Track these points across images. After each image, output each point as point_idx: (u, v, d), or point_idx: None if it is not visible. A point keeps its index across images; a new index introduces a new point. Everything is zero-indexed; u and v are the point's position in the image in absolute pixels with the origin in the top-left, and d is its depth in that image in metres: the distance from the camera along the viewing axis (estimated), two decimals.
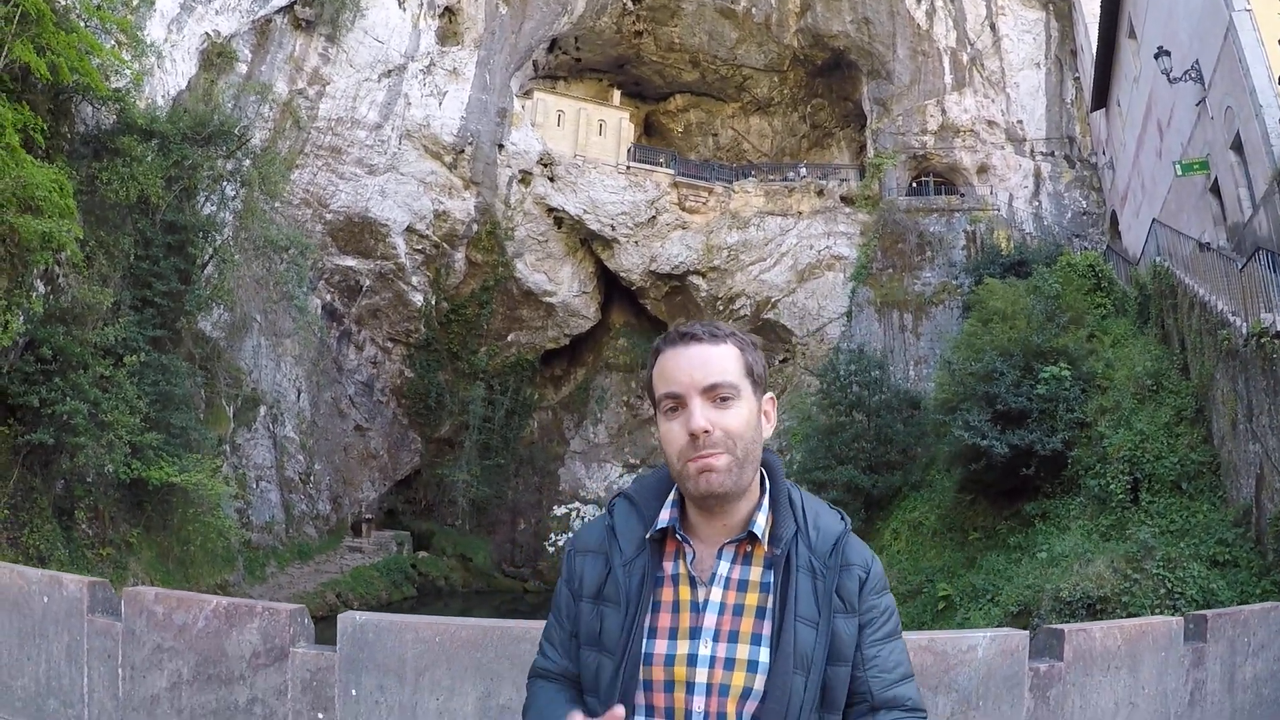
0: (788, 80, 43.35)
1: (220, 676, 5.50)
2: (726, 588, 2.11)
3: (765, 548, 2.13)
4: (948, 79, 39.23)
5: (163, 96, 24.40)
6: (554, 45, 40.73)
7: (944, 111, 39.07)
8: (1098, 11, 30.10)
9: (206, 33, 26.44)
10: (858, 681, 2.11)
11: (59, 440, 16.57)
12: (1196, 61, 20.22)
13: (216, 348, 25.71)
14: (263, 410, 29.53)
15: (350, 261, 34.34)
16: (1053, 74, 39.50)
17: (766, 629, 2.06)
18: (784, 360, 38.94)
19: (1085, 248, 31.99)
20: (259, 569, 26.09)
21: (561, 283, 39.64)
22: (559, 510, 40.32)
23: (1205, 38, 19.72)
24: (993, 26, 39.57)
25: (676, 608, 2.12)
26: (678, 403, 2.10)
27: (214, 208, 23.19)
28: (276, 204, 26.50)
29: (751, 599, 2.10)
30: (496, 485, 38.41)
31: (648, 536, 2.18)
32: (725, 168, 42.33)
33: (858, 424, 26.32)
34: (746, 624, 2.07)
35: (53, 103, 18.76)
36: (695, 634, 2.07)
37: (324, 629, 5.85)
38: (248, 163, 23.51)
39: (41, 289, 17.70)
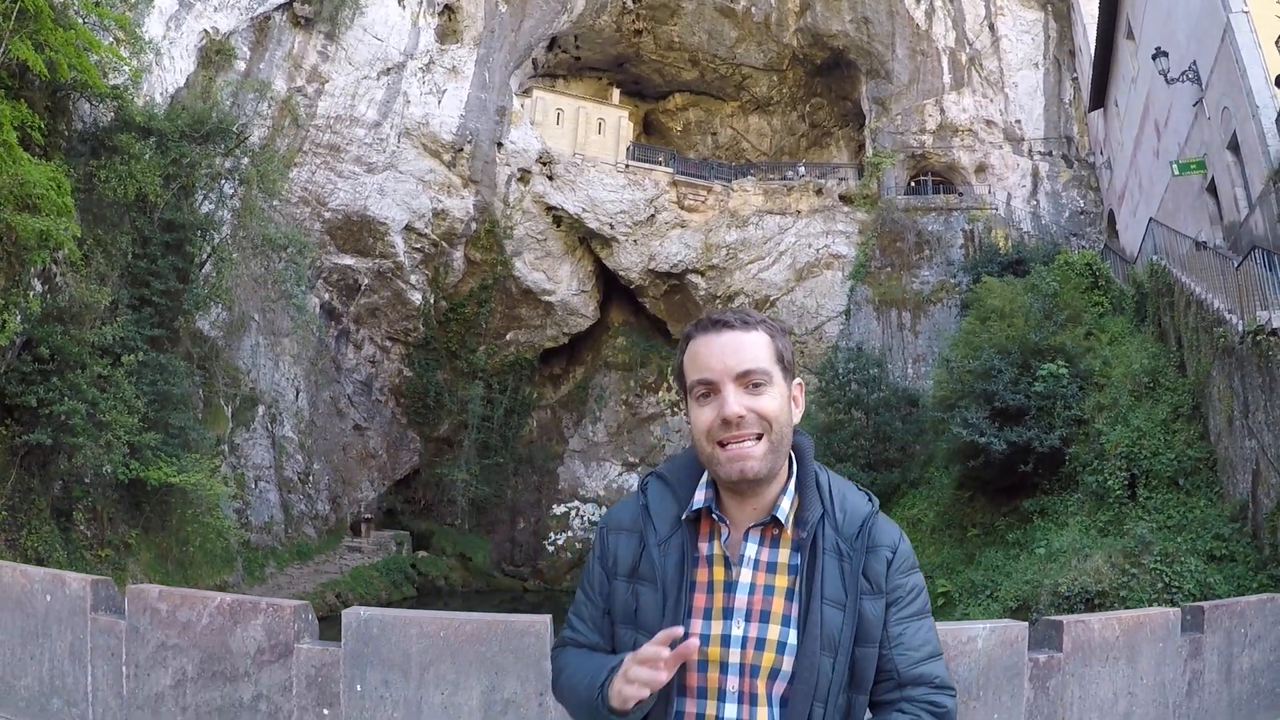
0: (787, 79, 43.36)
1: (225, 673, 5.52)
2: (755, 569, 2.14)
3: (790, 532, 2.16)
4: (946, 79, 39.27)
5: (161, 94, 24.35)
6: (553, 44, 40.72)
7: (942, 111, 39.12)
8: (1096, 12, 30.16)
9: (205, 30, 26.41)
10: (885, 660, 2.12)
11: (57, 440, 16.47)
12: (1194, 62, 20.28)
13: (214, 347, 25.66)
14: (261, 410, 29.49)
15: (349, 260, 34.31)
16: (1051, 74, 39.55)
17: (795, 611, 2.09)
18: None
19: (1083, 247, 32.08)
20: (258, 569, 26.07)
21: (560, 281, 39.63)
22: (558, 509, 40.29)
23: (1203, 39, 19.77)
24: (991, 27, 39.61)
25: (711, 588, 2.14)
26: (710, 389, 2.12)
27: (212, 206, 23.10)
28: (275, 202, 26.42)
29: (780, 581, 2.12)
30: (496, 484, 38.36)
31: (684, 517, 2.20)
32: (724, 166, 42.33)
33: (856, 422, 26.40)
34: (777, 605, 2.10)
35: (50, 100, 18.71)
36: (728, 614, 2.10)
37: (324, 629, 5.88)
38: (246, 161, 23.43)
39: (39, 288, 17.62)
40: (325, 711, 5.35)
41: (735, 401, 2.08)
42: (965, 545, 20.29)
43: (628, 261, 39.33)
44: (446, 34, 35.71)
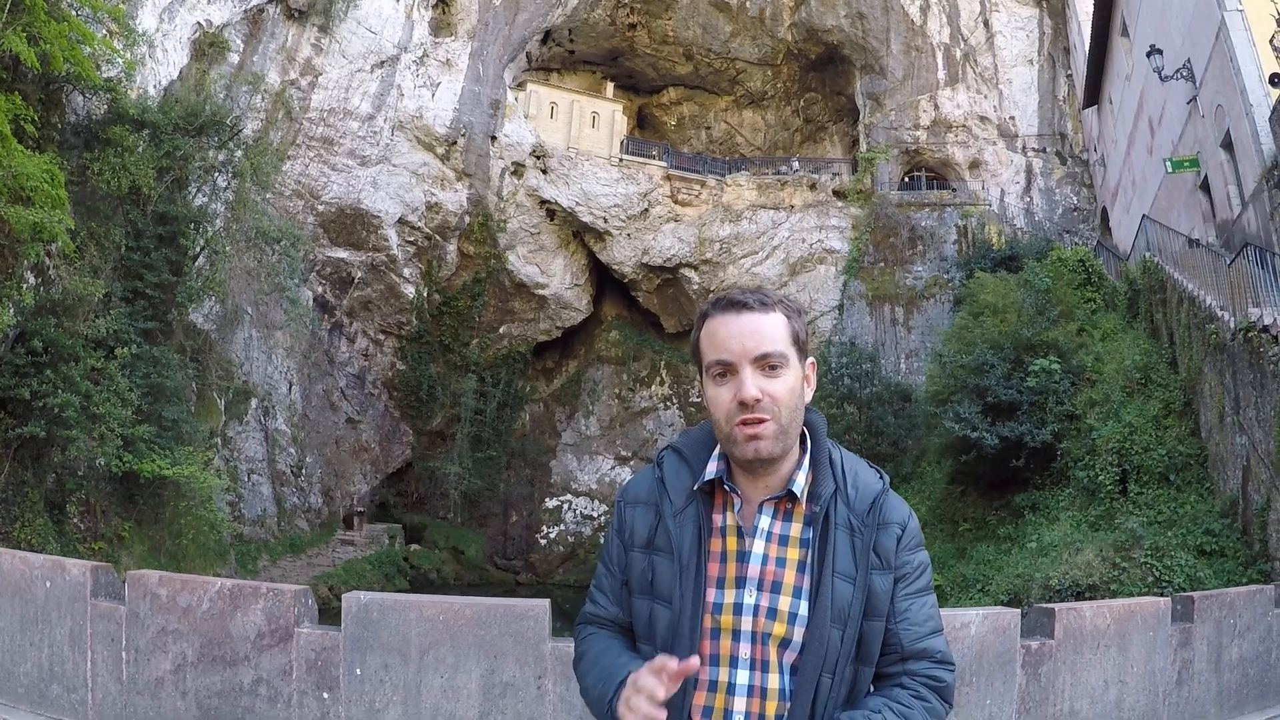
0: (781, 74, 43.42)
1: (225, 658, 5.56)
2: (768, 541, 2.17)
3: (804, 506, 2.20)
4: (941, 74, 39.35)
5: (154, 86, 24.30)
6: (547, 37, 40.69)
7: (937, 107, 39.20)
8: (1091, 9, 30.24)
9: (198, 22, 26.37)
10: (889, 634, 2.17)
11: (50, 433, 16.41)
12: (1188, 60, 20.35)
13: (208, 340, 25.59)
14: (254, 403, 29.48)
15: (342, 253, 34.29)
16: (1045, 71, 39.64)
17: (806, 583, 2.13)
18: None
19: (1076, 243, 32.21)
20: (251, 562, 26.06)
21: (553, 275, 39.64)
22: (551, 503, 40.33)
23: (1197, 37, 19.84)
24: (986, 23, 39.70)
25: (724, 557, 2.18)
26: (727, 369, 2.15)
27: (205, 199, 23.08)
28: (268, 195, 26.39)
29: (792, 553, 2.16)
30: (488, 478, 38.39)
31: (695, 488, 2.24)
32: (718, 161, 42.37)
33: (849, 416, 26.48)
34: (788, 577, 2.13)
35: (43, 92, 18.64)
36: (741, 583, 2.14)
37: (320, 622, 5.91)
38: (239, 154, 23.37)
39: (32, 280, 17.58)
40: (325, 695, 5.39)
41: (752, 384, 2.10)
42: (957, 540, 20.36)
43: (621, 255, 39.36)
44: (440, 27, 35.69)
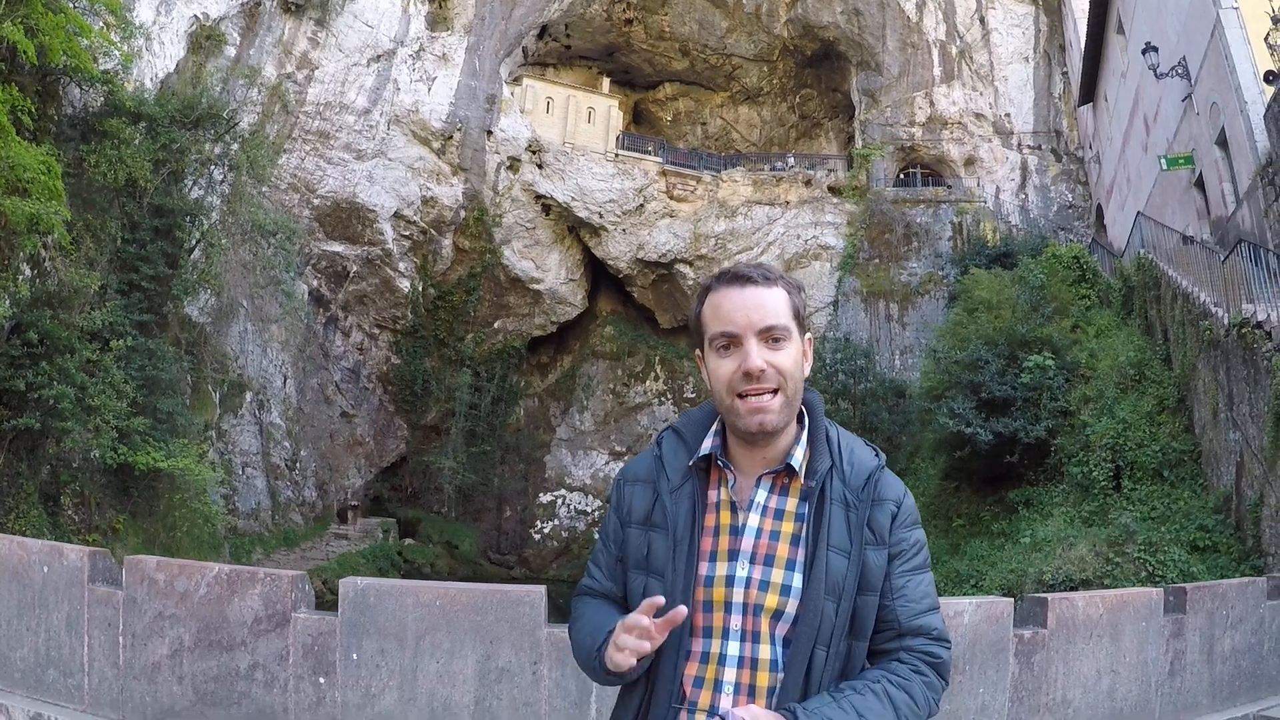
0: (777, 70, 43.43)
1: (222, 643, 5.57)
2: (764, 515, 2.22)
3: (801, 480, 2.23)
4: (936, 71, 39.38)
5: (151, 79, 24.28)
6: (544, 32, 40.66)
7: (932, 104, 39.23)
8: (1087, 7, 30.29)
9: (195, 15, 26.34)
10: (885, 610, 2.20)
11: (45, 425, 16.39)
12: (1183, 58, 20.41)
13: (203, 333, 25.59)
14: (249, 396, 29.46)
15: (337, 247, 34.26)
16: (1041, 68, 39.68)
17: (800, 556, 2.16)
18: None
19: (1071, 240, 32.25)
20: (245, 556, 26.04)
21: (549, 270, 39.65)
22: (545, 498, 40.35)
23: (1192, 34, 19.90)
24: (982, 20, 39.73)
25: (718, 531, 2.22)
26: (732, 341, 2.19)
27: (202, 192, 23.05)
28: (264, 189, 26.35)
29: (787, 527, 2.20)
30: (482, 472, 38.39)
31: (691, 463, 2.28)
32: (713, 157, 42.37)
33: (843, 412, 26.51)
34: (782, 549, 2.17)
35: (40, 84, 18.62)
36: (734, 556, 2.18)
37: None
38: (236, 147, 23.33)
39: (28, 272, 17.57)
40: (321, 680, 5.41)
41: (757, 355, 2.14)
42: (951, 535, 20.41)
43: (616, 251, 39.36)
44: (437, 21, 35.68)
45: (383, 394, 38.05)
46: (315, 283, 34.32)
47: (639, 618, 2.03)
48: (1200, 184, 21.03)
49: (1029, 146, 39.07)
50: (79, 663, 5.94)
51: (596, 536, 2.54)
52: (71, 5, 18.35)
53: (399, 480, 39.22)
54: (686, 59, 43.07)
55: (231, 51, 28.61)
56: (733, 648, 2.15)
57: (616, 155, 39.18)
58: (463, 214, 36.48)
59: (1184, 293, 16.96)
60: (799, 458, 2.24)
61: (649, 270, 40.17)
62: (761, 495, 2.24)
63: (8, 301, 16.13)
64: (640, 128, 45.34)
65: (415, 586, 5.49)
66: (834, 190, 39.84)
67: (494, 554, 38.82)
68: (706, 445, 2.30)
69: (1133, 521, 14.08)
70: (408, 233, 35.74)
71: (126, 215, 20.16)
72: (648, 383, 41.61)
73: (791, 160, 41.57)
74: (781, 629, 2.14)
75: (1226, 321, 13.93)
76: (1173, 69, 20.68)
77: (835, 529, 2.17)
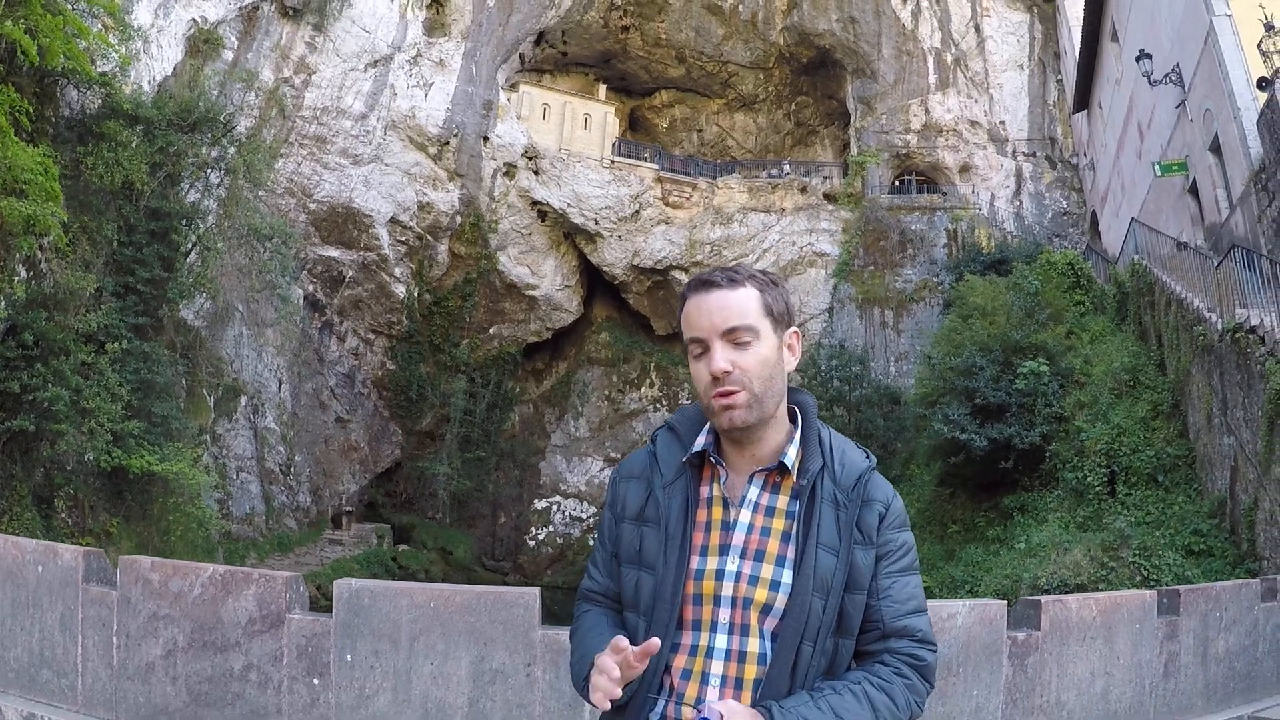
0: (773, 77, 43.51)
1: (216, 643, 5.56)
2: (755, 511, 2.26)
3: (793, 479, 2.27)
4: (932, 79, 39.50)
5: (149, 82, 24.27)
6: (541, 38, 40.70)
7: (927, 111, 39.34)
8: (1081, 15, 30.41)
9: (193, 19, 26.34)
10: (871, 610, 2.23)
11: (40, 427, 16.40)
12: (1177, 65, 20.50)
13: (198, 336, 25.56)
14: (244, 400, 29.39)
15: (333, 252, 34.23)
16: (1036, 75, 39.83)
17: (790, 553, 2.20)
18: None
19: (1065, 247, 32.35)
20: (238, 560, 25.94)
21: (544, 276, 39.63)
22: (540, 504, 40.31)
23: (1186, 41, 19.98)
24: (977, 28, 39.86)
25: (709, 527, 2.27)
26: (702, 346, 2.24)
27: (198, 195, 23.04)
28: (260, 193, 26.33)
29: (778, 524, 2.24)
30: (477, 479, 38.34)
31: (684, 460, 2.32)
32: (709, 164, 42.42)
33: (838, 418, 26.55)
34: (772, 545, 2.21)
35: (38, 86, 18.62)
36: (724, 550, 2.22)
37: None
38: (232, 151, 23.32)
39: (24, 274, 17.55)
40: (315, 681, 5.40)
41: (721, 358, 2.19)
42: (946, 542, 20.44)
43: (612, 257, 39.38)
44: (434, 27, 35.71)
45: (378, 399, 37.99)
46: (311, 287, 34.28)
47: (607, 663, 2.07)
48: (1194, 190, 21.10)
49: (1024, 153, 39.20)
50: (73, 663, 5.93)
51: (592, 541, 2.59)
52: (70, 7, 18.36)
53: (394, 486, 39.13)
54: (683, 66, 43.14)
55: (229, 55, 28.62)
56: (720, 640, 2.19)
57: (612, 162, 39.20)
58: (459, 220, 36.48)
59: (1178, 298, 17.01)
60: (792, 456, 2.28)
61: (644, 277, 40.18)
62: (754, 492, 2.28)
63: (3, 303, 16.16)
64: (636, 134, 45.39)
65: (409, 588, 5.49)
66: (829, 197, 39.91)
67: (489, 560, 38.75)
68: (700, 442, 2.34)
69: (1127, 526, 14.11)
70: (404, 238, 35.72)
71: (123, 218, 20.15)
72: (643, 389, 41.60)
73: (787, 167, 41.64)
74: (769, 623, 2.17)
75: (1220, 326, 13.97)
76: (1166, 76, 20.77)
77: (825, 527, 2.21)
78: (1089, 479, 16.85)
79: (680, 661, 2.20)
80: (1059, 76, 39.37)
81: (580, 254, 40.28)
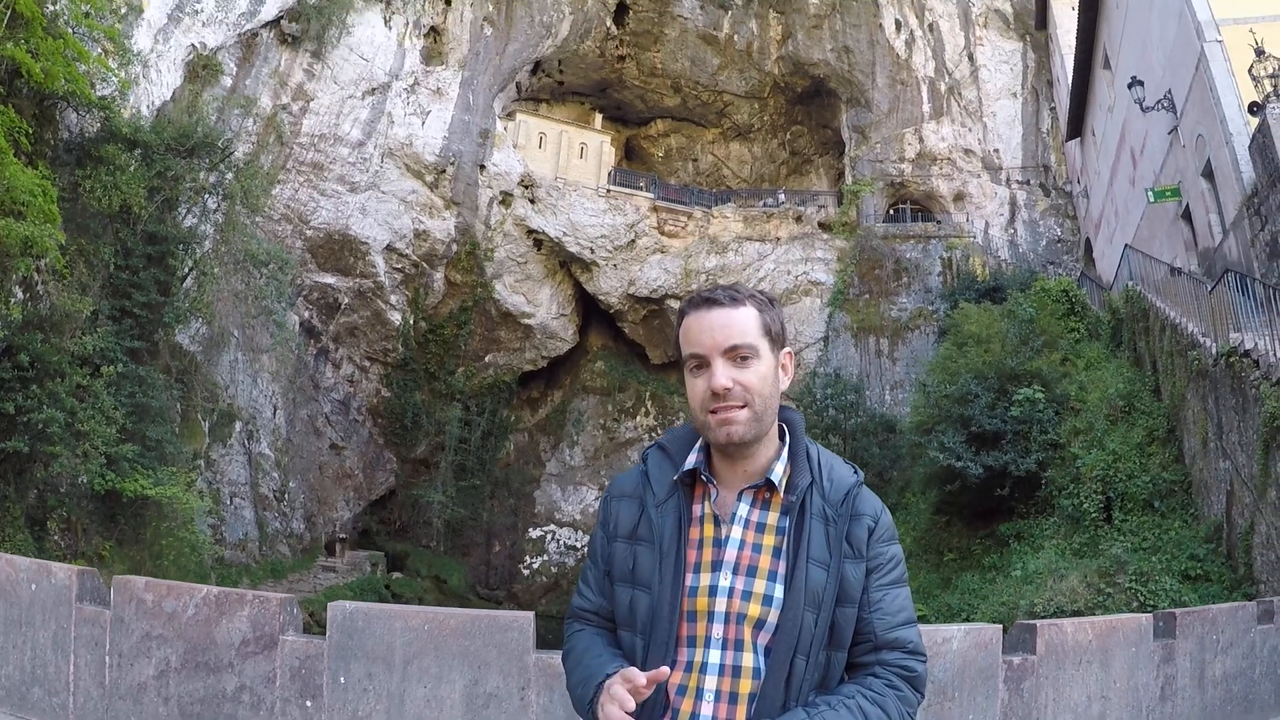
0: (768, 107, 43.80)
1: (209, 664, 5.53)
2: (746, 528, 2.28)
3: (782, 495, 2.29)
4: (926, 108, 39.76)
5: (147, 106, 24.38)
6: (537, 67, 40.98)
7: (922, 140, 39.56)
8: (1074, 43, 30.66)
9: (193, 44, 26.47)
10: (863, 623, 2.26)
11: (34, 449, 16.36)
12: (1169, 91, 20.65)
13: (194, 361, 25.54)
14: (238, 426, 29.33)
15: (329, 279, 34.26)
16: (1029, 104, 40.10)
17: (781, 568, 2.23)
18: None
19: (1060, 274, 32.43)
20: (231, 586, 25.82)
21: (540, 305, 39.68)
22: (534, 533, 40.16)
23: (1177, 68, 20.14)
24: (971, 57, 40.18)
25: (702, 544, 2.29)
26: (701, 362, 2.27)
27: (195, 220, 23.10)
28: (257, 219, 26.46)
29: (769, 540, 2.27)
30: (472, 507, 38.19)
31: (675, 478, 2.35)
32: (705, 193, 42.60)
33: (834, 447, 26.49)
34: (764, 561, 2.24)
35: (37, 108, 18.72)
36: (717, 567, 2.24)
37: None
38: (230, 176, 23.41)
39: (20, 295, 17.57)
40: (308, 703, 5.37)
41: (723, 375, 2.23)
42: (942, 570, 20.35)
43: (607, 286, 39.45)
44: (432, 55, 35.93)
45: (372, 427, 37.90)
46: (307, 314, 34.28)
47: (621, 693, 2.07)
48: (1187, 216, 21.21)
49: (1018, 181, 39.39)
50: (64, 681, 5.89)
51: (587, 557, 2.59)
52: (70, 31, 18.47)
53: (388, 513, 38.97)
54: (678, 95, 43.41)
55: (228, 81, 28.76)
56: (714, 656, 2.21)
57: (608, 191, 39.37)
58: (455, 248, 36.55)
59: (1172, 324, 17.04)
60: (779, 473, 2.31)
61: (640, 306, 40.24)
62: (743, 509, 2.30)
63: None
64: (632, 163, 45.60)
65: (404, 610, 5.47)
66: (824, 226, 40.07)
67: (483, 588, 38.55)
68: (690, 460, 2.37)
69: (1124, 552, 14.07)
70: (399, 265, 35.78)
71: (120, 241, 20.20)
72: (638, 418, 41.57)
73: (782, 196, 41.83)
74: (763, 638, 2.20)
75: (1215, 351, 14.00)
76: (1158, 102, 20.92)
77: (815, 542, 2.24)
78: (1085, 505, 16.81)
79: (676, 678, 2.22)
80: (1052, 104, 39.65)
81: (576, 282, 40.36)
